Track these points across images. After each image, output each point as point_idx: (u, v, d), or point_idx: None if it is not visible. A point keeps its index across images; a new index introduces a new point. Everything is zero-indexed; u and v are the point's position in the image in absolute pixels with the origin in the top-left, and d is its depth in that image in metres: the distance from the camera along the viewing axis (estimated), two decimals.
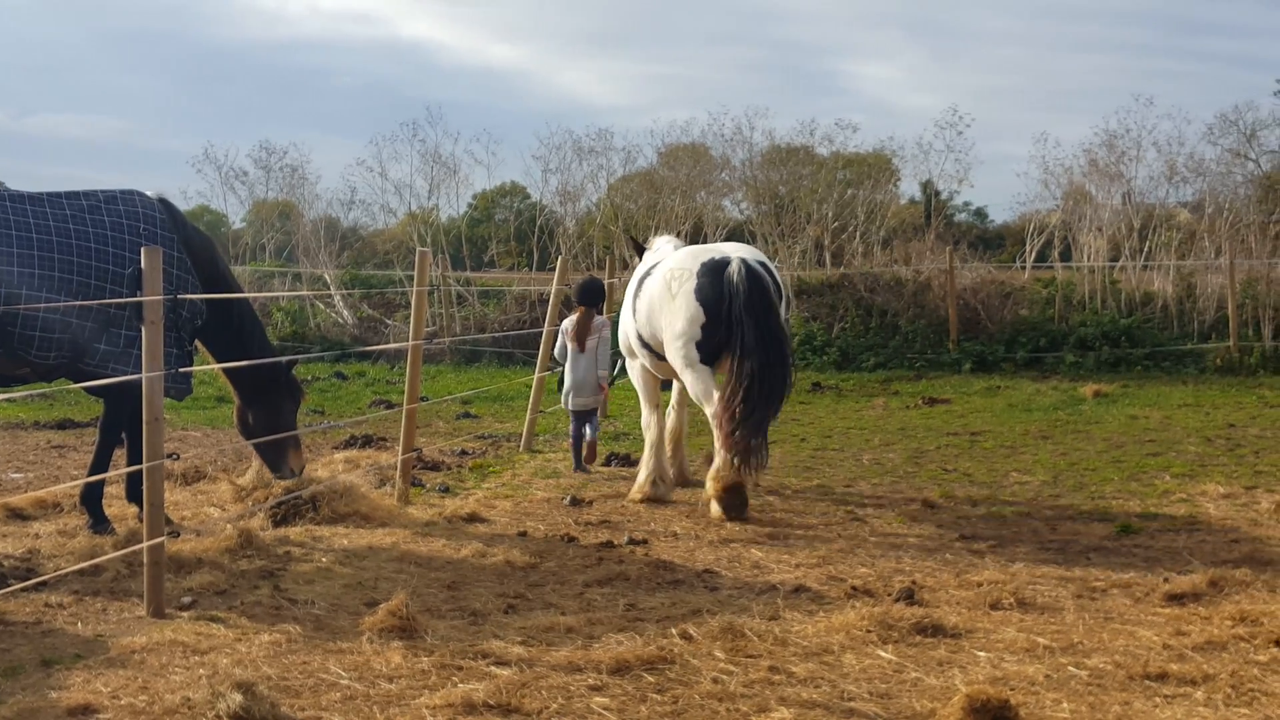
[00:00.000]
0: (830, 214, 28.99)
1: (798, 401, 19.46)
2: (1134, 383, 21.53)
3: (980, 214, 50.02)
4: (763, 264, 11.16)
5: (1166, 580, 8.41)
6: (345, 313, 28.01)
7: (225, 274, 10.61)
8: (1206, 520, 10.56)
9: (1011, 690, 6.08)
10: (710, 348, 10.89)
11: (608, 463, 13.56)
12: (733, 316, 10.68)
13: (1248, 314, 24.07)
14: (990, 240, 40.12)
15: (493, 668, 6.55)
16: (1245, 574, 8.46)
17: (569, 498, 11.52)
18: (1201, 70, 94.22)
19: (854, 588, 8.29)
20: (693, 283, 10.99)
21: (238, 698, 5.73)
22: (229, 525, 9.52)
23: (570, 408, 13.31)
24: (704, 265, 11.07)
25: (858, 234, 28.83)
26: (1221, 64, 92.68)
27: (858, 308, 25.62)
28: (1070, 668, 6.57)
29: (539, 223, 30.01)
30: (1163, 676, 6.37)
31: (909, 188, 36.90)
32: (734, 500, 10.67)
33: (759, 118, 40.73)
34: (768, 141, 31.57)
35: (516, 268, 32.59)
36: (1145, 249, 26.90)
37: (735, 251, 11.23)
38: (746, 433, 10.37)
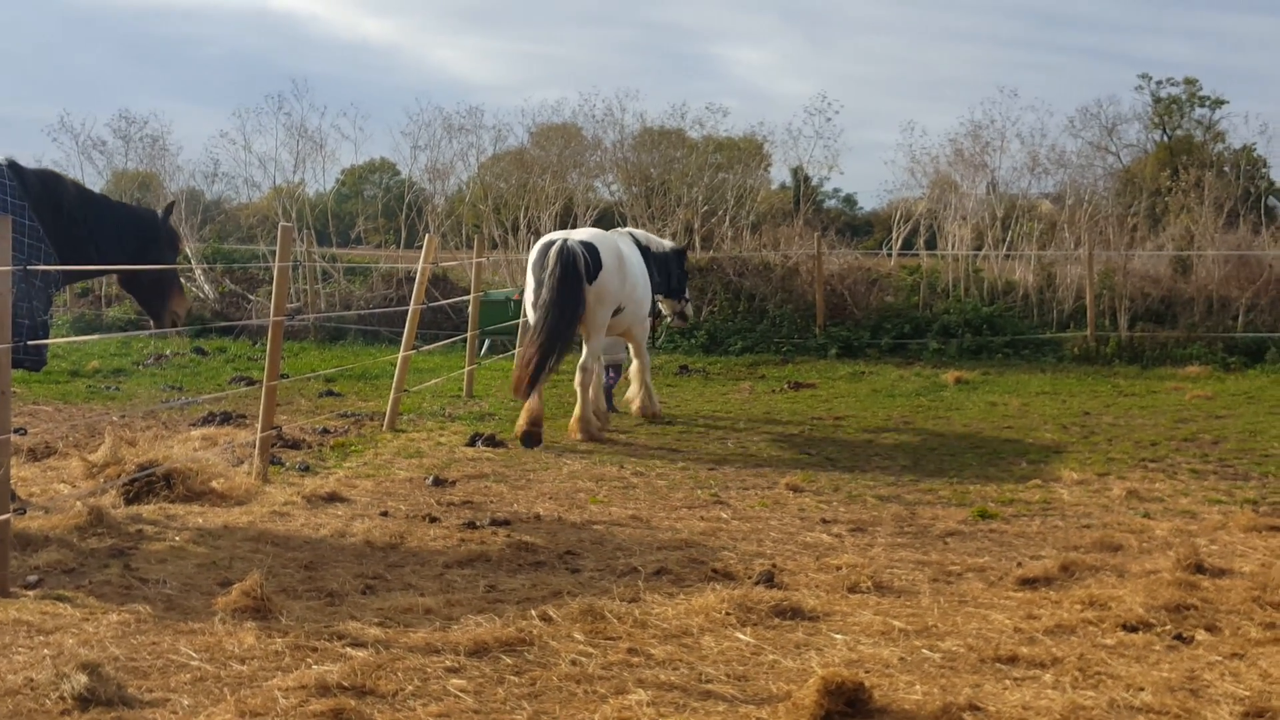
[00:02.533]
0: (700, 198, 29.02)
1: (665, 385, 19.52)
2: (994, 370, 21.94)
3: (849, 201, 50.74)
4: (586, 243, 13.59)
5: (1020, 565, 8.58)
6: (206, 287, 27.43)
7: (72, 214, 9.86)
8: (1060, 506, 10.80)
9: (866, 673, 6.15)
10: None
11: (472, 443, 13.44)
12: (543, 285, 13.30)
13: (1105, 304, 24.63)
14: (859, 227, 40.63)
15: (348, 649, 6.47)
16: (1095, 559, 8.69)
17: (432, 478, 11.41)
18: (1065, 63, 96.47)
19: (715, 570, 8.33)
20: (532, 257, 13.90)
21: (83, 679, 5.59)
22: (79, 502, 9.27)
23: (604, 362, 15.57)
24: (542, 244, 13.84)
25: (727, 218, 28.90)
26: (1084, 58, 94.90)
27: (726, 291, 25.73)
28: (924, 650, 6.66)
29: (408, 200, 29.59)
30: (1013, 659, 6.50)
31: (779, 173, 37.09)
32: (530, 434, 13.28)
33: (630, 100, 40.81)
34: (639, 124, 31.54)
35: (385, 245, 32.13)
36: (1008, 239, 27.37)
37: (579, 234, 13.93)
38: (527, 373, 13.07)
